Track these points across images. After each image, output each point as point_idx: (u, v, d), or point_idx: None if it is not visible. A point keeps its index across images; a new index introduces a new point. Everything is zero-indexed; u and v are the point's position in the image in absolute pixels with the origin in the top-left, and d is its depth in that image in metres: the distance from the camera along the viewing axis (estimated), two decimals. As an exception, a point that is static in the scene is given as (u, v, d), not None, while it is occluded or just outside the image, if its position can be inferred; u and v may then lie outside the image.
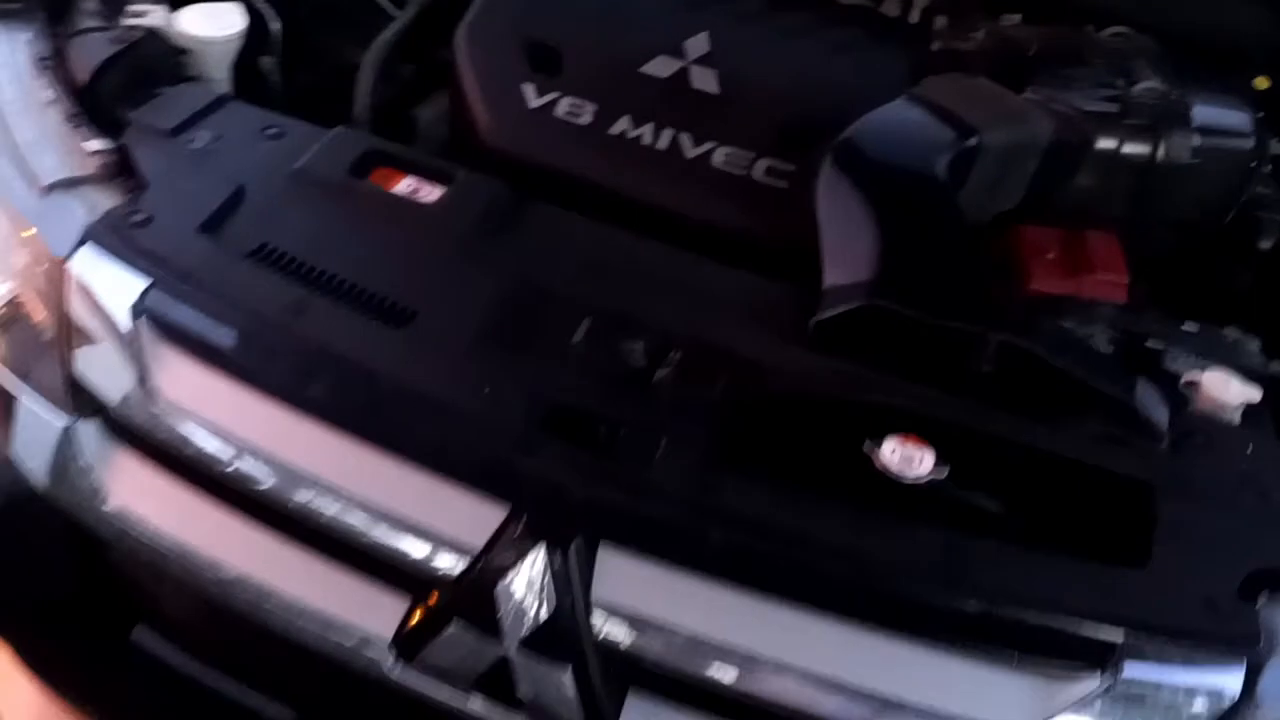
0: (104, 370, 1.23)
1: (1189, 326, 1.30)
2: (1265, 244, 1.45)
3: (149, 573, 1.25)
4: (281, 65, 1.64)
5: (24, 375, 1.30)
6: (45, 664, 1.42)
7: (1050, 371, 1.16)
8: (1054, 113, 1.36)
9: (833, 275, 1.24)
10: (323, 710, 1.24)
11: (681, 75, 1.49)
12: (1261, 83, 1.58)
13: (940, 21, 1.57)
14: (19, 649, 1.45)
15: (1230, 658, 1.03)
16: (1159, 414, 1.18)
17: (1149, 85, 1.40)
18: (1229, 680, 1.02)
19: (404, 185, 1.34)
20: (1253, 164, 1.42)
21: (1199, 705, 1.03)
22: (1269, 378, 1.27)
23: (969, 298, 1.22)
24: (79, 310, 1.24)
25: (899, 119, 1.33)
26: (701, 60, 1.50)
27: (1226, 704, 1.03)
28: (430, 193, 1.33)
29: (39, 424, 1.28)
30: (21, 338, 1.31)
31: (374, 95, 1.57)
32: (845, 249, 1.24)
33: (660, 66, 1.50)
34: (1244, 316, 1.36)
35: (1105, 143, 1.37)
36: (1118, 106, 1.38)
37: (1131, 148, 1.37)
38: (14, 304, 1.32)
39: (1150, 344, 1.27)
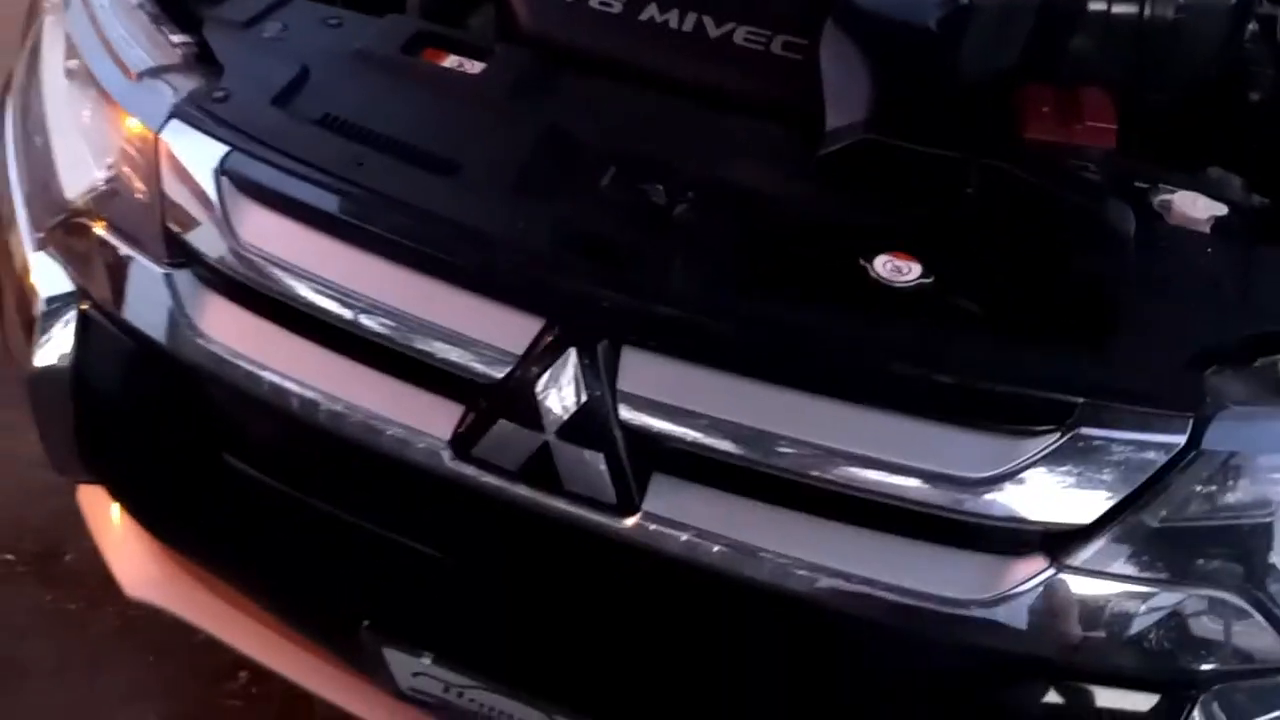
0: (195, 225, 1.39)
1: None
2: (1254, 97, 1.55)
3: (239, 403, 1.41)
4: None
5: (132, 239, 1.46)
6: (148, 505, 1.60)
7: (1029, 191, 1.29)
8: None
9: (834, 118, 1.38)
10: (388, 513, 1.39)
11: None
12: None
13: None
14: (124, 498, 1.64)
15: (1177, 418, 1.14)
16: (1126, 222, 1.29)
17: None
18: (1175, 437, 1.13)
19: (450, 61, 1.49)
20: (1238, 21, 1.53)
21: (1149, 456, 1.13)
22: (1249, 208, 1.38)
23: (955, 129, 1.35)
24: (170, 176, 1.40)
25: None
26: None
27: (1172, 456, 1.13)
28: (474, 68, 1.48)
29: (147, 279, 1.43)
30: (125, 206, 1.46)
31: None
32: (845, 94, 1.38)
33: None
34: (1231, 164, 1.45)
35: (1096, 4, 1.49)
36: None
37: (1120, 7, 1.49)
38: (116, 178, 1.48)
39: (1137, 184, 1.37)
